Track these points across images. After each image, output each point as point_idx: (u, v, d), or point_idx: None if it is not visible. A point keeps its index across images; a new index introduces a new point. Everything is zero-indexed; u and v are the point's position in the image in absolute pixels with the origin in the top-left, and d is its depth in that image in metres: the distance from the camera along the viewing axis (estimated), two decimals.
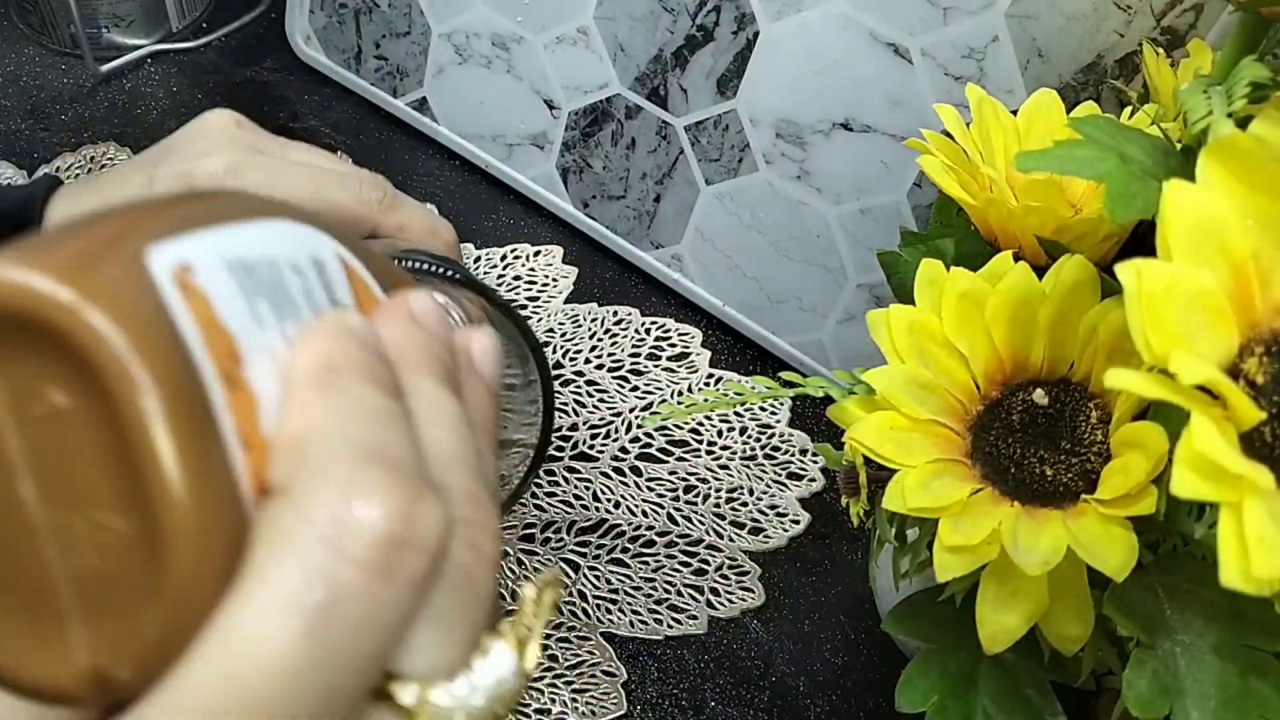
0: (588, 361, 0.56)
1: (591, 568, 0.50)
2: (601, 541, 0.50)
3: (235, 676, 0.15)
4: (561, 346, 0.56)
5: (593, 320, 0.58)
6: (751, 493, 0.53)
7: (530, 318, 0.58)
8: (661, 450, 0.53)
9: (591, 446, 0.53)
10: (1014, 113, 0.37)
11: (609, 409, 0.54)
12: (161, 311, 0.16)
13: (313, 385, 0.18)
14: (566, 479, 0.52)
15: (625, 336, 0.57)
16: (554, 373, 0.55)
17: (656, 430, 0.54)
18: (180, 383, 0.16)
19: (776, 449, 0.54)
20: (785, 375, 0.35)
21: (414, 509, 0.17)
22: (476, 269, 0.59)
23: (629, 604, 0.49)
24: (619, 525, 0.51)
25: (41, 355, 0.15)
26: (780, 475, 0.53)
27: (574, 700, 0.46)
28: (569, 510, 0.51)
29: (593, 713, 0.46)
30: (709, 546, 0.51)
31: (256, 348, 0.18)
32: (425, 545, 0.17)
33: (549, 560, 0.49)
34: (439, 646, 0.18)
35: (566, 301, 0.58)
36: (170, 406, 0.15)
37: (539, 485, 0.51)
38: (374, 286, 0.22)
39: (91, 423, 0.16)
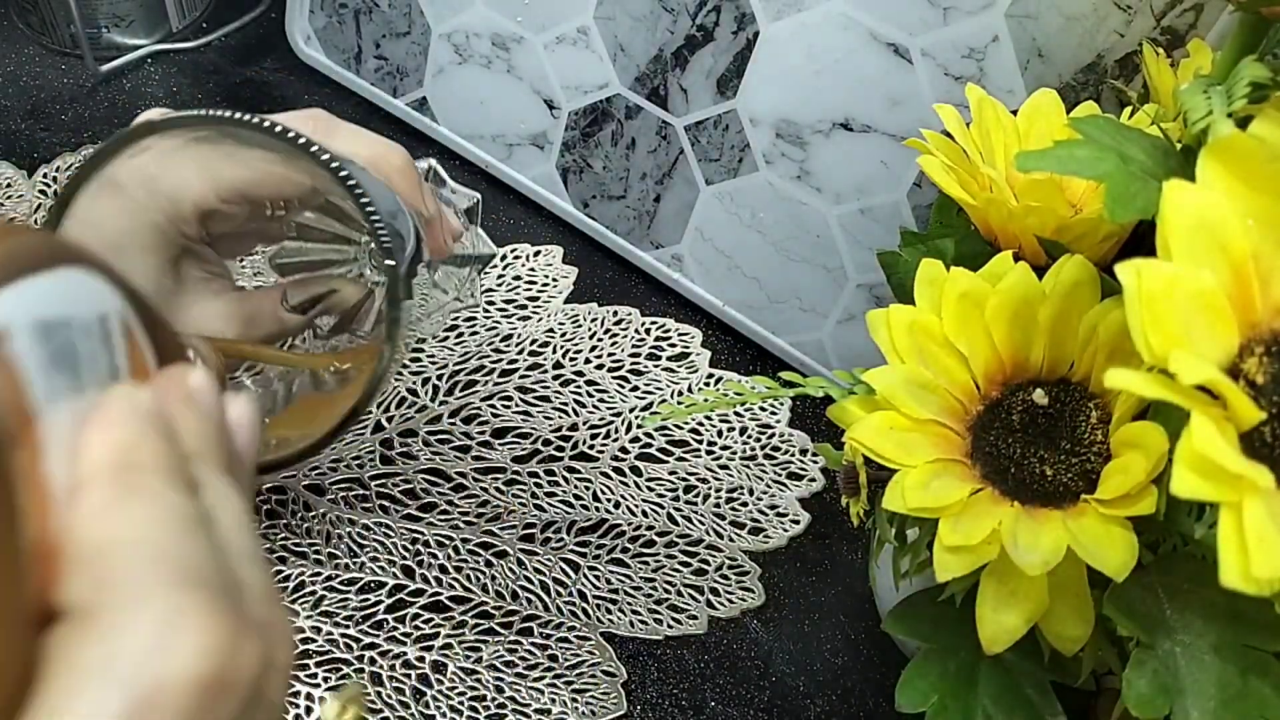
0: (588, 361, 0.56)
1: (591, 568, 0.50)
2: (601, 541, 0.50)
3: None
4: (561, 346, 0.56)
5: (593, 320, 0.58)
6: (751, 493, 0.53)
7: (530, 317, 0.58)
8: (661, 450, 0.53)
9: (591, 446, 0.53)
10: (1014, 113, 0.37)
11: (609, 409, 0.54)
12: None
13: (112, 484, 0.16)
14: (566, 479, 0.52)
15: (625, 336, 0.57)
16: (555, 372, 0.55)
17: (656, 430, 0.54)
18: None
19: (776, 449, 0.54)
20: (785, 375, 0.35)
21: (236, 645, 0.15)
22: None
23: (629, 604, 0.49)
24: (619, 525, 0.51)
25: None
26: (780, 475, 0.53)
27: (574, 700, 0.46)
28: (569, 510, 0.51)
29: (593, 713, 0.46)
30: (709, 546, 0.51)
31: (53, 431, 0.16)
32: (242, 687, 0.16)
33: (548, 560, 0.49)
34: None
35: (566, 301, 0.58)
36: None
37: (539, 484, 0.52)
38: (148, 352, 0.20)
39: None
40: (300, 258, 0.39)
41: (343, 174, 0.28)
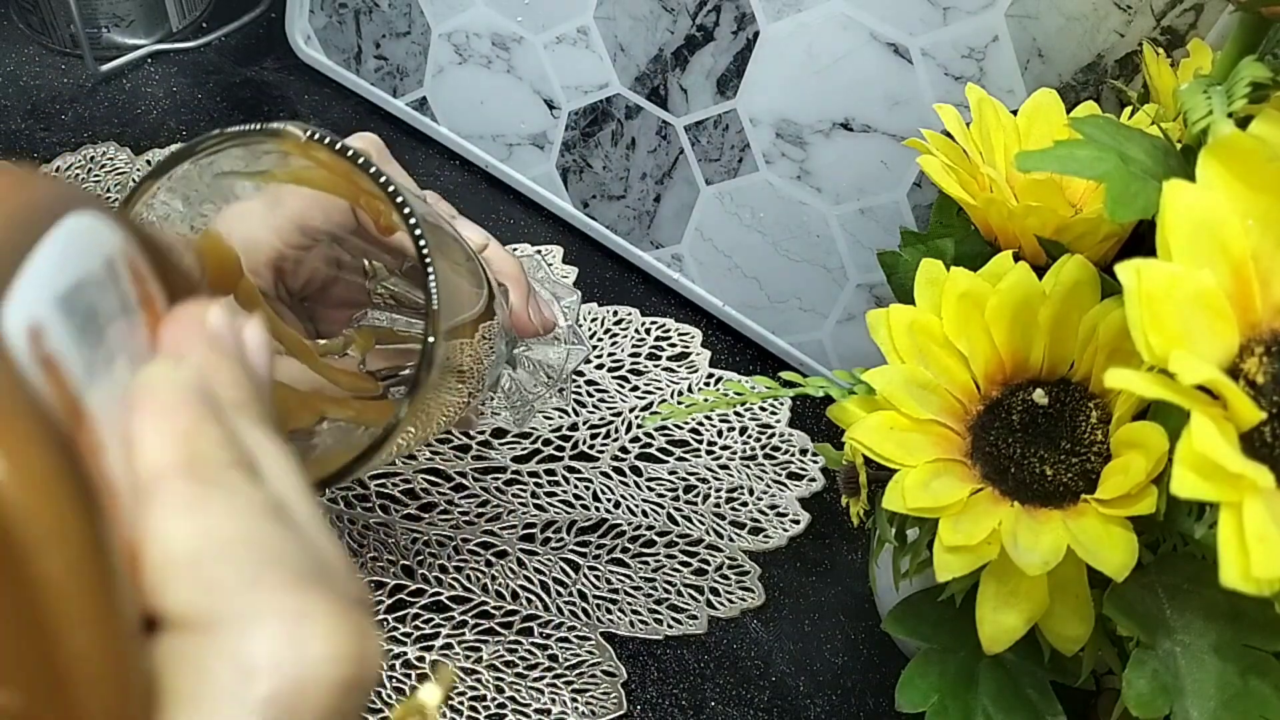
0: (588, 361, 0.56)
1: (591, 568, 0.50)
2: (601, 541, 0.50)
3: None
4: None
5: (593, 320, 0.58)
6: (751, 493, 0.53)
7: None
8: (661, 450, 0.53)
9: (591, 446, 0.53)
10: (1014, 113, 0.37)
11: (609, 409, 0.54)
12: (40, 423, 0.12)
13: (186, 481, 0.15)
14: (566, 479, 0.52)
15: (625, 336, 0.57)
16: None
17: (656, 430, 0.54)
18: (77, 525, 0.12)
19: (776, 449, 0.54)
20: (785, 375, 0.35)
21: (365, 641, 0.15)
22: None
23: (629, 604, 0.49)
24: (619, 525, 0.51)
25: None
26: (780, 475, 0.53)
27: (574, 700, 0.46)
28: (569, 510, 0.51)
29: (593, 713, 0.46)
30: (709, 546, 0.51)
31: (101, 418, 0.14)
32: (373, 680, 0.15)
33: (548, 560, 0.49)
34: None
35: None
36: (75, 562, 0.12)
37: (539, 484, 0.52)
38: (153, 286, 0.18)
39: None
40: (384, 324, 0.37)
41: (390, 189, 0.27)
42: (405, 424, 0.26)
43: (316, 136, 0.26)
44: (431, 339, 0.26)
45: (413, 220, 0.26)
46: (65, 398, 0.13)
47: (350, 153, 0.26)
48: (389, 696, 0.45)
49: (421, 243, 0.26)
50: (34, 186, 0.15)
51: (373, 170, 0.26)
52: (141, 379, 0.16)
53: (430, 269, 0.26)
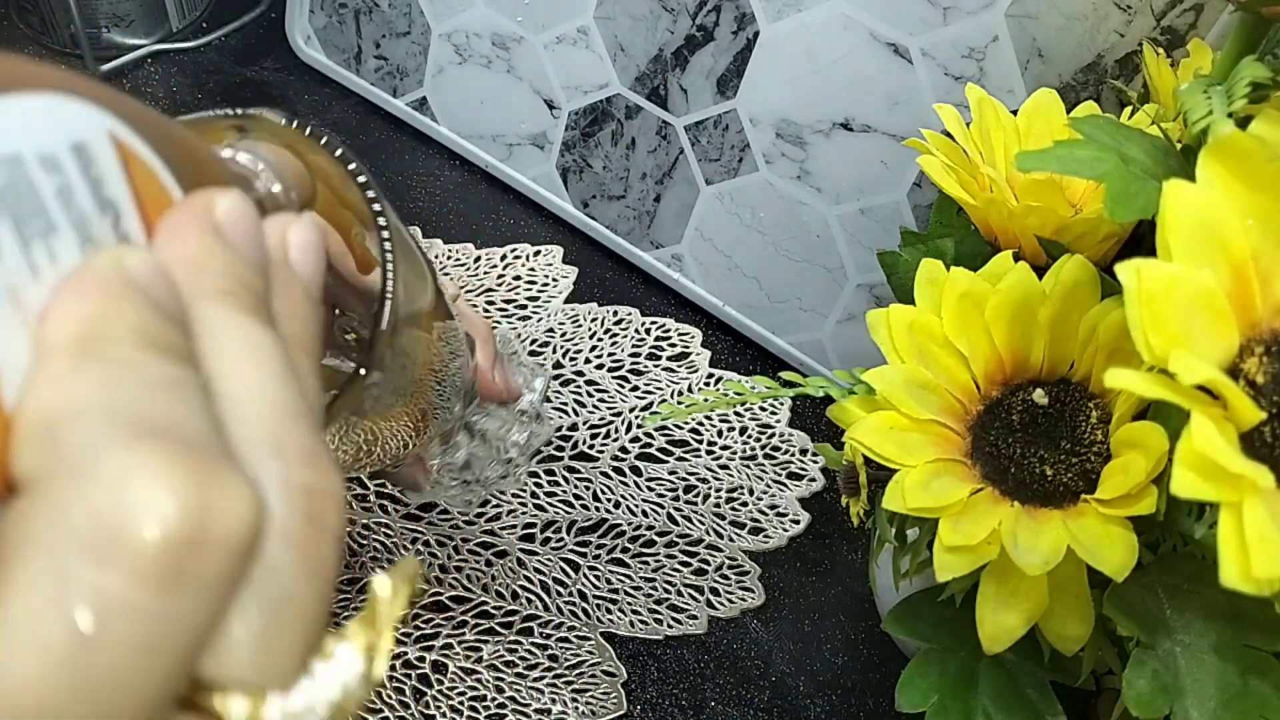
0: (588, 361, 0.56)
1: (591, 568, 0.50)
2: (601, 541, 0.50)
3: None
4: (561, 346, 0.56)
5: (593, 320, 0.58)
6: (751, 493, 0.53)
7: (530, 317, 0.58)
8: (661, 450, 0.53)
9: (591, 446, 0.53)
10: (1014, 113, 0.37)
11: (609, 409, 0.54)
12: None
13: (69, 355, 0.14)
14: (566, 479, 0.52)
15: (625, 336, 0.57)
16: (554, 372, 0.55)
17: (656, 430, 0.54)
18: None
19: (776, 449, 0.54)
20: (785, 375, 0.35)
21: (211, 495, 0.14)
22: (476, 269, 0.59)
23: (629, 604, 0.49)
24: (619, 525, 0.51)
25: None
26: (780, 475, 0.53)
27: (574, 700, 0.46)
28: (569, 510, 0.51)
29: (593, 713, 0.46)
30: (709, 546, 0.51)
31: (19, 301, 0.14)
32: (230, 541, 0.14)
33: (548, 560, 0.49)
34: (269, 652, 0.15)
35: (566, 301, 0.58)
36: None
37: (539, 484, 0.51)
38: (165, 177, 0.17)
39: None
40: (339, 367, 0.36)
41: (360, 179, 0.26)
42: (353, 395, 0.25)
43: (287, 122, 0.25)
44: (390, 285, 0.25)
45: (363, 179, 0.25)
46: None
47: (308, 129, 0.25)
48: (389, 696, 0.45)
49: (371, 194, 0.25)
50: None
51: (325, 140, 0.25)
52: (84, 264, 0.15)
53: (383, 220, 0.25)
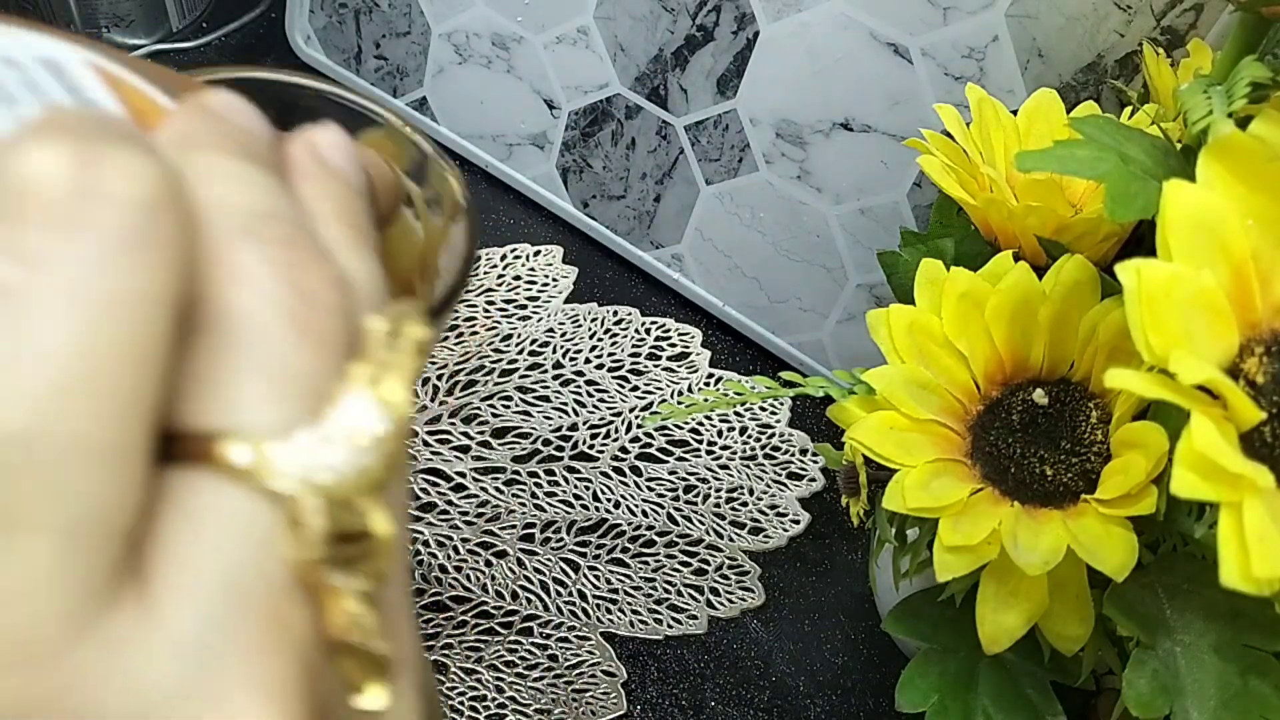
0: (588, 361, 0.56)
1: (591, 568, 0.50)
2: (601, 541, 0.50)
3: None
4: (561, 346, 0.56)
5: (593, 320, 0.58)
6: (751, 493, 0.53)
7: (530, 317, 0.58)
8: (661, 450, 0.53)
9: (591, 446, 0.53)
10: (1014, 113, 0.37)
11: (609, 409, 0.54)
12: None
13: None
14: (566, 479, 0.52)
15: (625, 336, 0.57)
16: (555, 372, 0.55)
17: (656, 430, 0.54)
18: None
19: (776, 449, 0.54)
20: (785, 375, 0.35)
21: (102, 154, 0.13)
22: (476, 269, 0.59)
23: (629, 604, 0.49)
24: (619, 525, 0.51)
25: None
26: (780, 475, 0.53)
27: (574, 700, 0.46)
28: (569, 510, 0.51)
29: (593, 713, 0.46)
30: (709, 546, 0.51)
31: None
32: (121, 194, 0.13)
33: (548, 560, 0.49)
34: (267, 392, 0.14)
35: (566, 301, 0.58)
36: None
37: (539, 485, 0.51)
38: (157, 94, 0.17)
39: None
40: None
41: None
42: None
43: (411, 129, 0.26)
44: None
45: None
46: None
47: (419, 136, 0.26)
48: None
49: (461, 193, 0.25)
50: None
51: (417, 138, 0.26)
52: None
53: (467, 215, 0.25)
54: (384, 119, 0.27)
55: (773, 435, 0.55)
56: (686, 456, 0.53)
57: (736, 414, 0.55)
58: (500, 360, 0.55)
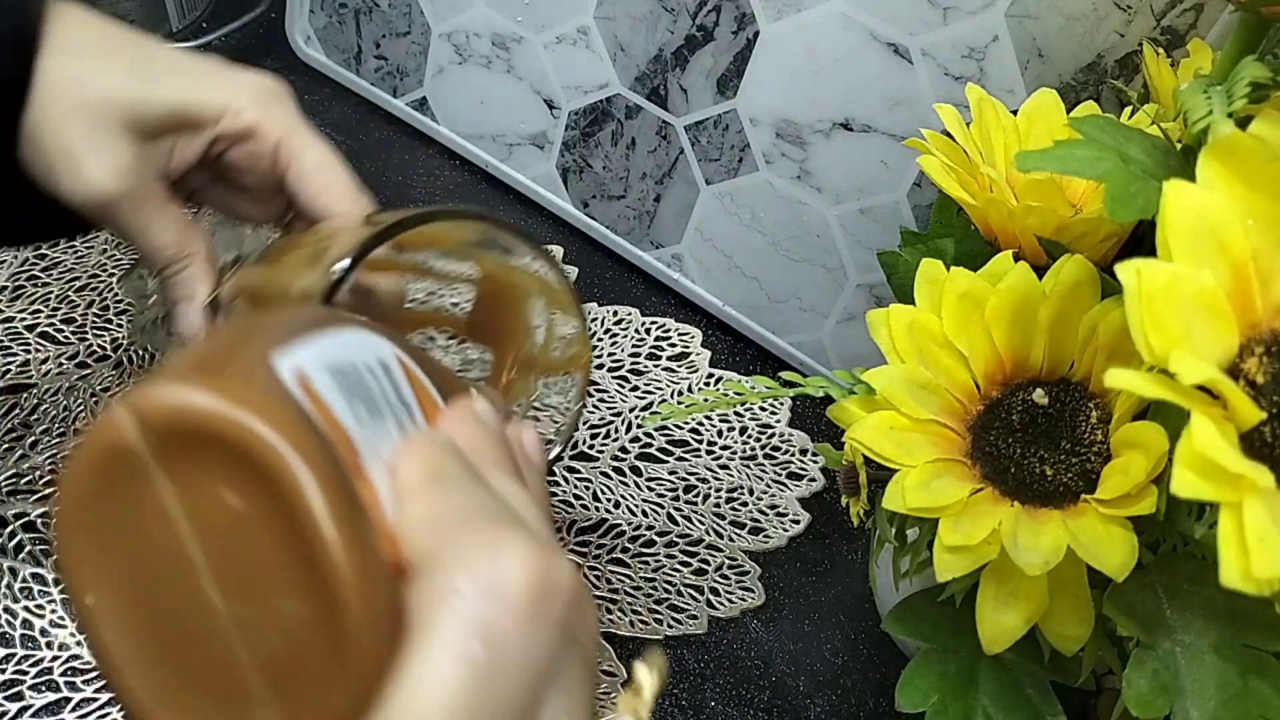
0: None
1: (591, 568, 0.50)
2: (601, 541, 0.50)
3: None
4: None
5: (593, 320, 0.58)
6: (751, 493, 0.53)
7: None
8: (661, 450, 0.53)
9: (591, 446, 0.53)
10: (1014, 113, 0.37)
11: (609, 409, 0.54)
12: (304, 417, 0.18)
13: (425, 482, 0.20)
14: (566, 479, 0.52)
15: (625, 336, 0.57)
16: None
17: (656, 430, 0.54)
18: (334, 482, 0.18)
19: (776, 449, 0.54)
20: (785, 375, 0.35)
21: (551, 559, 0.19)
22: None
23: (629, 604, 0.49)
24: (619, 525, 0.51)
25: (213, 465, 0.17)
26: (780, 475, 0.53)
27: None
28: (569, 510, 0.51)
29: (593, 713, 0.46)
30: (709, 546, 0.51)
31: (364, 445, 0.20)
32: (565, 591, 0.19)
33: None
34: (569, 714, 0.20)
35: None
36: (332, 503, 0.17)
37: None
38: (430, 388, 0.24)
39: (264, 521, 0.17)
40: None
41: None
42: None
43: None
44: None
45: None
46: (327, 417, 0.19)
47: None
48: None
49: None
50: (317, 308, 0.24)
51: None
52: (409, 439, 0.22)
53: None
54: (561, 283, 0.35)
55: (773, 435, 0.55)
56: (686, 456, 0.53)
57: (736, 414, 0.55)
58: None
